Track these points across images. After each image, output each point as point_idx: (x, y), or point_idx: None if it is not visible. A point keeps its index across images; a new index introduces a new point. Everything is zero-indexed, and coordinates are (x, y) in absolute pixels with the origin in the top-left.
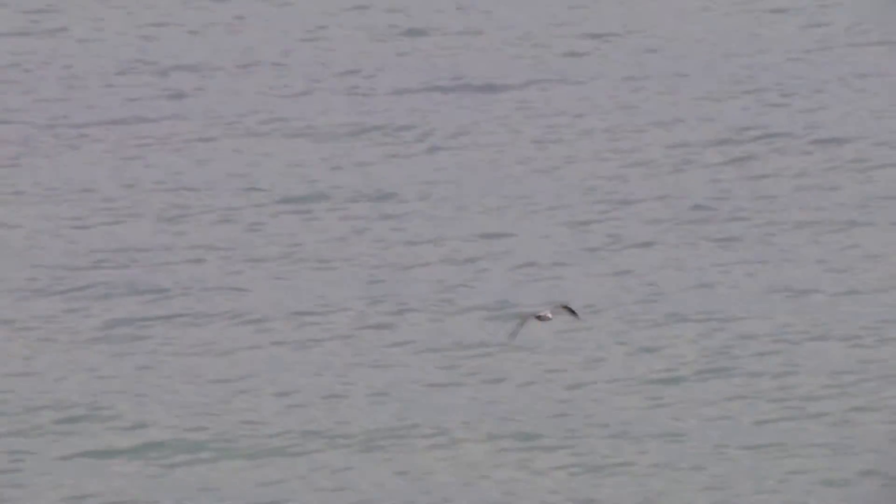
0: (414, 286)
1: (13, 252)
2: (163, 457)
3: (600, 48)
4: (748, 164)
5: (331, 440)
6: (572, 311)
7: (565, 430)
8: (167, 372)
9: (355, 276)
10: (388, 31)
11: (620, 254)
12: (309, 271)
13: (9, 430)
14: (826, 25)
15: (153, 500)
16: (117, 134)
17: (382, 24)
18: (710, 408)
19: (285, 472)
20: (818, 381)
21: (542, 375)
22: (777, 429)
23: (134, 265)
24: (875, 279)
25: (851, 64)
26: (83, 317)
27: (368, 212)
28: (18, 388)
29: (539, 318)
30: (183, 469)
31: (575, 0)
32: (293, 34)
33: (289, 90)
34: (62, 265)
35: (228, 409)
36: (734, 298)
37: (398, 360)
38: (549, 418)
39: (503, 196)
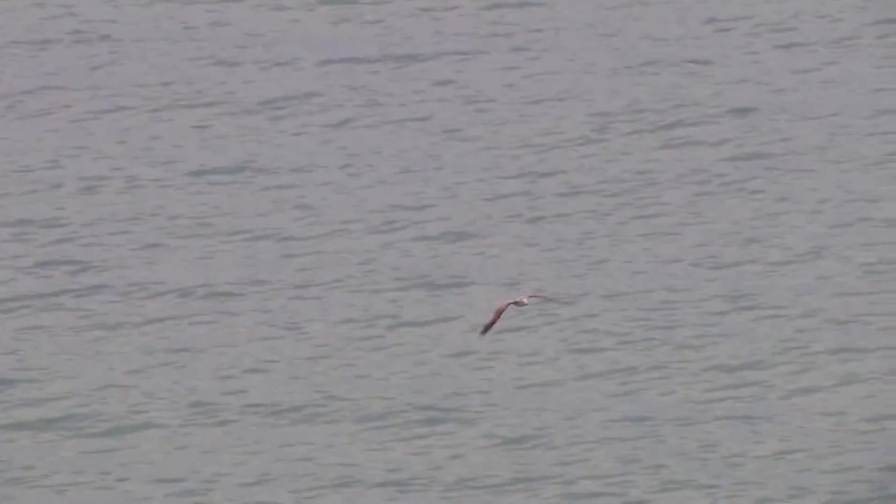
0: (333, 258)
1: None
2: (80, 429)
3: (522, 21)
4: (666, 134)
5: (246, 412)
6: (549, 298)
7: (480, 404)
8: (79, 345)
9: (273, 248)
10: (307, 3)
11: (541, 224)
12: (226, 244)
13: None
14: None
15: (77, 471)
16: (32, 104)
17: None
18: (619, 380)
19: (202, 444)
20: (733, 350)
21: (458, 350)
22: (678, 398)
23: (48, 237)
24: (794, 249)
25: (766, 38)
26: None
27: (286, 183)
28: None
29: (515, 303)
30: (98, 442)
31: None
32: (211, 6)
33: (206, 62)
34: None
35: (138, 382)
36: (655, 269)
37: (315, 334)
38: (465, 394)
39: (423, 167)
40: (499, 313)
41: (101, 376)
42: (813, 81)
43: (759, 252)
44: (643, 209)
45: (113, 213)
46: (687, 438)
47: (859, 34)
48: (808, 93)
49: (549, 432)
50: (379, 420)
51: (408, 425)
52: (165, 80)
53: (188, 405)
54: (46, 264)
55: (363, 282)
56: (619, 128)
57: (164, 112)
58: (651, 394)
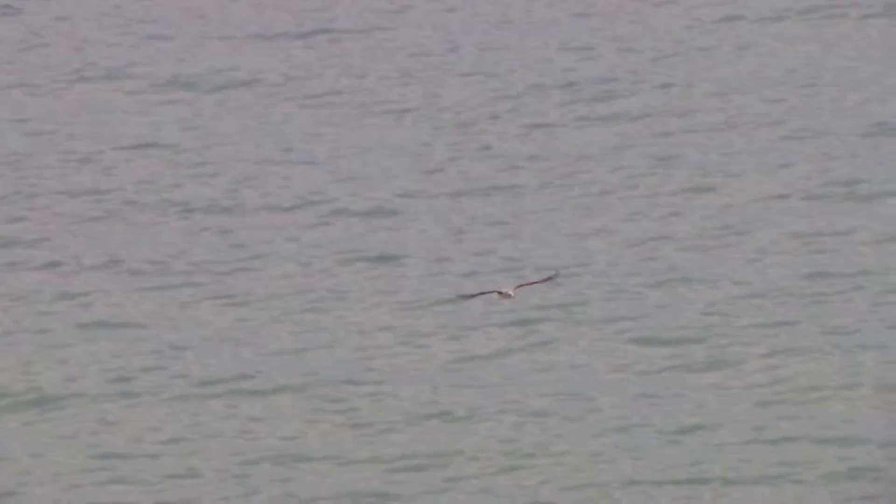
0: (264, 233)
1: None
2: (7, 403)
3: None
4: (597, 109)
5: (175, 386)
6: (550, 278)
7: (413, 378)
8: (5, 320)
9: (203, 223)
10: None
11: (464, 199)
12: (157, 219)
13: None
14: None
15: (2, 445)
16: None
17: None
18: (546, 354)
19: (131, 417)
20: (656, 323)
21: (390, 325)
22: (604, 368)
23: None
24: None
25: (704, 11)
26: None
27: (217, 159)
28: None
29: (501, 294)
30: (27, 415)
31: None
32: None
33: (136, 37)
34: None
35: (67, 356)
36: (586, 243)
37: (247, 308)
38: (398, 368)
39: (353, 144)
40: (482, 294)
41: (28, 351)
42: (747, 55)
43: (688, 228)
44: (573, 184)
45: (41, 187)
46: (616, 407)
47: (790, 7)
48: (741, 66)
49: (480, 406)
50: (311, 394)
51: (339, 400)
52: (92, 56)
53: (116, 379)
54: None
55: (295, 257)
56: (549, 101)
57: (92, 87)
58: (579, 366)
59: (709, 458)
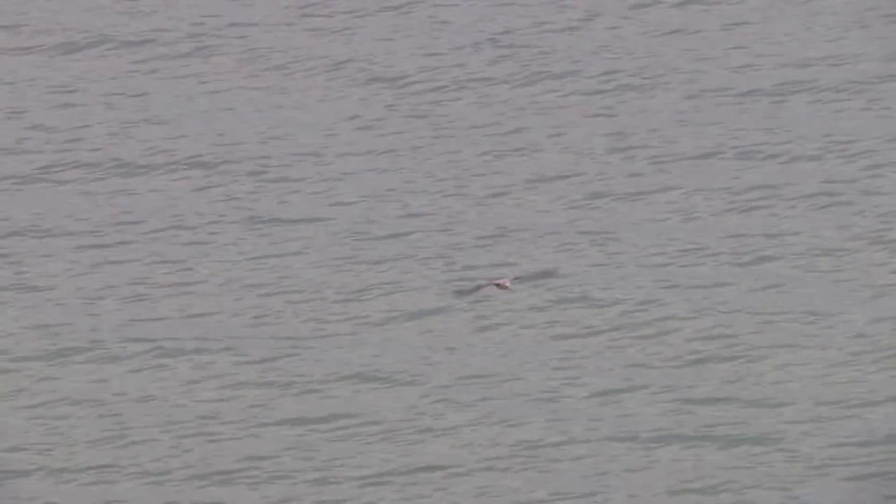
0: (157, 197)
1: None
2: None
3: None
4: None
5: (81, 349)
6: (547, 272)
7: (317, 339)
8: None
9: (95, 189)
10: None
11: (394, 159)
12: (48, 182)
13: None
14: None
15: None
16: None
17: None
18: (443, 320)
19: (36, 386)
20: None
21: (297, 287)
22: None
23: None
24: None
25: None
26: None
27: (125, 119)
28: None
29: (498, 285)
30: None
31: None
32: None
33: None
34: None
35: None
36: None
37: (162, 264)
38: (309, 329)
39: (248, 106)
40: (478, 288)
41: None
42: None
43: (619, 184)
44: (438, 152)
45: None
46: (543, 370)
47: None
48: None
49: (385, 368)
50: (233, 355)
51: (263, 360)
52: None
53: (38, 339)
54: None
55: (184, 220)
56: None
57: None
58: (507, 325)
59: (638, 418)
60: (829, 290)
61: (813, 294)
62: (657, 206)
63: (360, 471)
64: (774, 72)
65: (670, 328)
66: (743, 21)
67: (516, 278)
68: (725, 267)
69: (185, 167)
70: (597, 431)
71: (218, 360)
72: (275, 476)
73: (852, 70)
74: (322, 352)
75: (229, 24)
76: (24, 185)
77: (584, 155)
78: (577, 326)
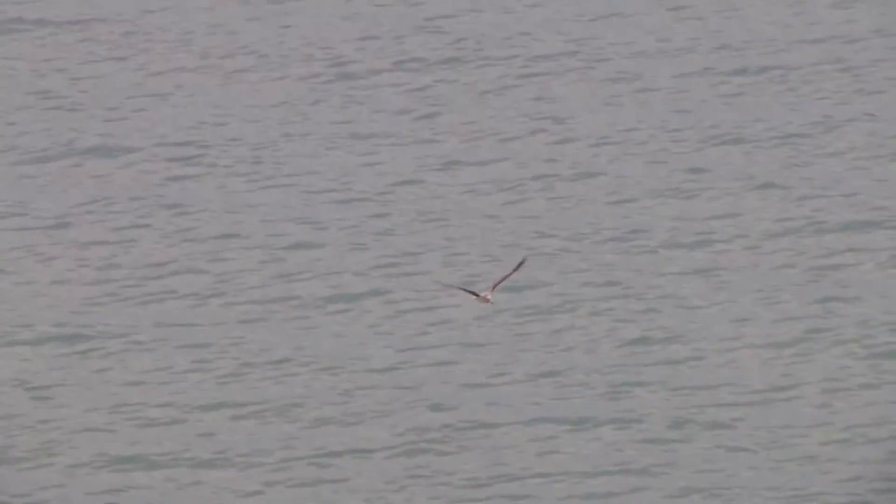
0: (69, 184)
1: None
2: None
3: None
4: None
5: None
6: (519, 265)
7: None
8: None
9: (34, 172)
10: None
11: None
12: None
13: None
14: None
15: None
16: None
17: None
18: (389, 305)
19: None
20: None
21: (241, 268)
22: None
23: None
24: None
25: None
26: None
27: (79, 104)
28: None
29: (479, 297)
30: None
31: None
32: None
33: None
34: None
35: None
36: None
37: (56, 254)
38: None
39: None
40: (461, 289)
41: None
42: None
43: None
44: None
45: None
46: (478, 352)
47: None
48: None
49: (319, 353)
50: (135, 344)
51: (199, 345)
52: None
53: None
54: None
55: (114, 205)
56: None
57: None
58: (443, 308)
59: (573, 402)
60: (766, 274)
61: (751, 278)
62: (591, 190)
63: (292, 452)
64: (710, 55)
65: (603, 312)
66: (678, 6)
67: (497, 285)
68: (662, 251)
69: (118, 153)
70: (532, 413)
71: (147, 345)
72: (211, 460)
73: (786, 57)
74: (254, 336)
75: (164, 7)
76: None
77: (515, 139)
78: (512, 313)
